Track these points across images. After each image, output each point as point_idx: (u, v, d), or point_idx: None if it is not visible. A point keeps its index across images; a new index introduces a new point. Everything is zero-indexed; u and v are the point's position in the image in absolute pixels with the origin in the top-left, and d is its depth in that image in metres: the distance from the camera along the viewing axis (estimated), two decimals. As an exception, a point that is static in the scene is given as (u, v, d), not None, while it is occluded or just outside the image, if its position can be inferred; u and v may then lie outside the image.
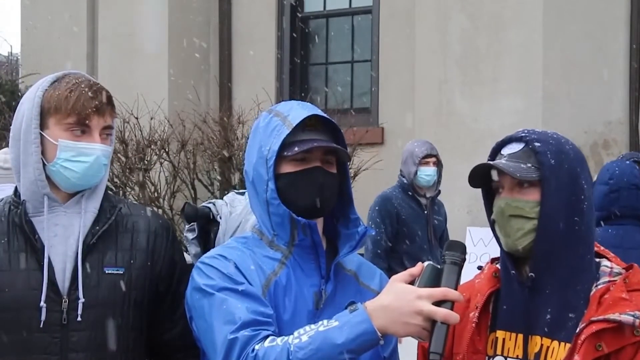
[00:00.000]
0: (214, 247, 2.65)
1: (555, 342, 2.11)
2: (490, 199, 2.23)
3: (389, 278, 2.19)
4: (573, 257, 2.12)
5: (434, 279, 2.10)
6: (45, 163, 2.43)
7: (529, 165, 2.13)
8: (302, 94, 9.79)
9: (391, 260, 6.06)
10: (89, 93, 2.42)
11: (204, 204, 2.83)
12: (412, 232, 6.14)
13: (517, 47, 7.87)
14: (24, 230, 2.42)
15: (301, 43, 10.38)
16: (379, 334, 2.06)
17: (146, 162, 8.24)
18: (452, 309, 2.05)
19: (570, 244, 2.12)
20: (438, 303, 2.04)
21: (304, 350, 2.07)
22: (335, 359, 2.06)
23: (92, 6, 10.97)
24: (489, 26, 8.03)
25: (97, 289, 2.42)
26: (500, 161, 2.17)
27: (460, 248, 2.13)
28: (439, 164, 6.24)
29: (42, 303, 2.36)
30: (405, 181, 6.21)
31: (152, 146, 8.28)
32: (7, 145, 2.69)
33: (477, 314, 2.21)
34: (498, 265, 2.27)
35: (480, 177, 2.20)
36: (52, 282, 2.39)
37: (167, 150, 8.31)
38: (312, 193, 2.30)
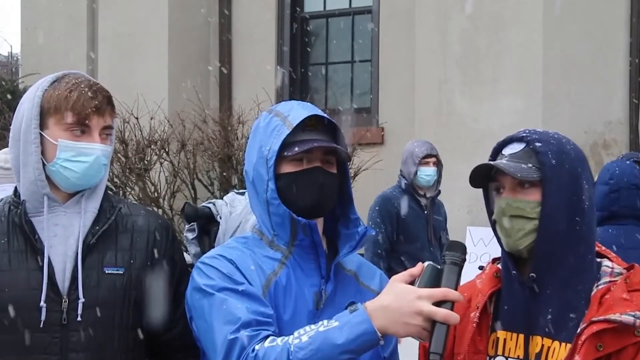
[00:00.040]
0: (214, 247, 2.65)
1: (556, 343, 2.11)
2: (490, 199, 2.23)
3: (389, 278, 2.19)
4: (574, 257, 2.12)
5: (434, 279, 2.10)
6: (45, 163, 2.43)
7: (530, 165, 2.13)
8: (302, 94, 9.79)
9: (391, 260, 6.06)
10: (89, 93, 2.42)
11: (204, 204, 2.83)
12: (412, 232, 6.14)
13: (517, 47, 7.87)
14: (23, 230, 2.42)
15: (301, 43, 10.37)
16: (379, 334, 2.06)
17: (146, 162, 8.24)
18: (452, 309, 2.05)
19: (571, 244, 2.11)
20: (438, 303, 2.04)
21: (304, 351, 2.07)
22: (335, 359, 2.06)
23: (92, 6, 10.97)
24: (489, 26, 8.03)
25: (97, 289, 2.42)
26: (501, 161, 2.17)
27: (460, 248, 2.13)
28: (439, 164, 6.24)
29: (42, 303, 2.36)
30: (405, 181, 6.21)
31: (152, 146, 8.28)
32: (7, 146, 2.69)
33: (478, 314, 2.21)
34: (499, 266, 2.27)
35: (481, 177, 2.20)
36: (52, 282, 2.39)
37: (167, 150, 8.31)
38: (312, 193, 2.30)
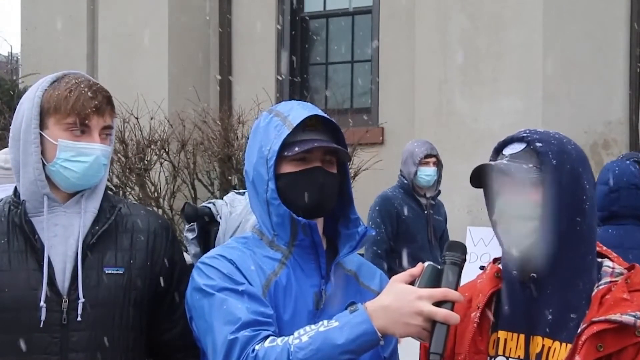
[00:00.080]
0: (214, 247, 2.64)
1: (557, 343, 2.11)
2: (491, 199, 2.22)
3: (389, 278, 2.19)
4: (575, 257, 2.12)
5: (434, 280, 2.09)
6: (45, 163, 2.43)
7: (531, 165, 2.13)
8: (302, 94, 9.79)
9: (391, 261, 6.05)
10: (89, 93, 2.42)
11: (204, 204, 2.83)
12: (412, 232, 6.14)
13: (517, 47, 7.87)
14: (23, 231, 2.42)
15: (301, 43, 10.37)
16: (379, 335, 2.06)
17: (146, 162, 8.25)
18: (452, 310, 2.05)
19: (572, 244, 2.11)
20: (438, 303, 2.04)
21: (304, 351, 2.06)
22: (335, 359, 2.06)
23: (92, 6, 10.98)
24: (489, 26, 8.03)
25: (97, 289, 2.42)
26: (501, 161, 2.16)
27: (460, 248, 2.13)
28: (439, 164, 6.24)
29: (42, 303, 2.36)
30: (405, 181, 6.21)
31: (152, 146, 8.29)
32: (7, 146, 2.69)
33: (478, 314, 2.21)
34: (500, 266, 2.27)
35: (481, 177, 2.20)
36: (52, 282, 2.39)
37: (167, 150, 8.32)
38: (313, 193, 2.30)
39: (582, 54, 8.02)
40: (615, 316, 2.01)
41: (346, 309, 2.13)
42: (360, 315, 2.07)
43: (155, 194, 8.21)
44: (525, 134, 2.18)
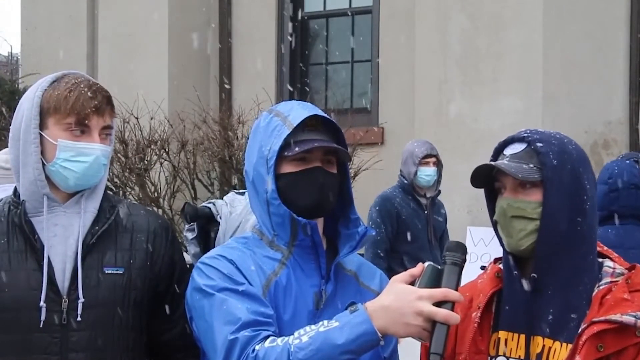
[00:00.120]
0: (214, 247, 2.64)
1: (557, 343, 2.11)
2: (492, 199, 2.23)
3: (389, 278, 2.19)
4: (575, 257, 2.12)
5: (435, 280, 2.09)
6: (45, 163, 2.43)
7: (531, 165, 2.13)
8: (302, 94, 9.79)
9: (391, 261, 6.06)
10: (88, 93, 2.42)
11: (204, 204, 2.83)
12: (413, 232, 6.14)
13: (517, 47, 7.87)
14: (23, 231, 2.42)
15: (301, 43, 10.37)
16: (380, 335, 2.06)
17: (146, 162, 8.24)
18: (452, 310, 2.05)
19: (573, 245, 2.11)
20: (438, 304, 2.04)
21: (305, 351, 2.06)
22: (335, 359, 2.06)
23: (92, 6, 10.97)
24: (489, 26, 8.03)
25: (97, 289, 2.42)
26: (502, 162, 2.16)
27: (460, 249, 2.13)
28: (439, 164, 6.24)
29: (41, 303, 2.36)
30: (405, 181, 6.21)
31: (152, 146, 8.29)
32: (7, 146, 2.69)
33: (479, 314, 2.21)
34: (501, 266, 2.27)
35: (482, 177, 2.20)
36: (52, 282, 2.39)
37: (167, 150, 8.32)
38: (313, 193, 2.30)
39: (582, 54, 8.02)
40: (616, 316, 2.01)
41: (346, 309, 2.13)
42: (360, 315, 2.07)
43: (155, 194, 8.21)
44: (526, 134, 2.18)
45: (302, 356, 2.06)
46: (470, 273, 2.35)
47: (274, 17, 10.28)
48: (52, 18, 11.21)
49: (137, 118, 8.21)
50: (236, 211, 2.75)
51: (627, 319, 2.00)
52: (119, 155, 8.08)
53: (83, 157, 2.41)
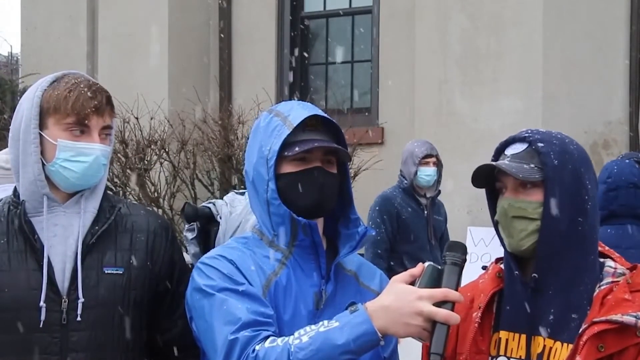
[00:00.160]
0: (214, 247, 2.64)
1: (558, 343, 2.11)
2: (493, 199, 2.22)
3: (390, 278, 2.19)
4: (576, 257, 2.12)
5: (435, 280, 2.09)
6: (45, 163, 2.42)
7: (532, 165, 2.13)
8: (302, 94, 9.79)
9: (391, 261, 6.06)
10: (88, 93, 2.42)
11: (204, 204, 2.83)
12: (413, 232, 6.14)
13: (517, 47, 7.87)
14: (23, 231, 2.42)
15: (301, 43, 10.37)
16: (380, 335, 2.06)
17: (146, 162, 8.24)
18: (452, 310, 2.04)
19: (574, 245, 2.11)
20: (439, 304, 2.04)
21: (305, 351, 2.06)
22: (335, 359, 2.06)
23: (92, 6, 10.97)
24: (489, 26, 8.02)
25: (97, 289, 2.42)
26: (503, 162, 2.16)
27: (460, 249, 2.13)
28: (439, 164, 6.24)
29: (41, 303, 2.36)
30: (405, 181, 6.21)
31: (152, 146, 8.28)
32: (7, 146, 2.68)
33: (480, 314, 2.21)
34: (502, 266, 2.26)
35: (483, 177, 2.20)
36: (52, 282, 2.39)
37: (167, 150, 8.31)
38: (313, 193, 2.30)
39: (582, 54, 8.02)
40: (617, 316, 2.01)
41: (346, 309, 2.13)
42: (360, 315, 2.07)
43: (155, 194, 8.21)
44: (527, 134, 2.18)
45: (302, 356, 2.06)
46: (471, 273, 2.35)
47: (274, 17, 10.27)
48: (52, 18, 11.20)
49: (137, 118, 8.21)
50: (236, 211, 2.75)
51: (628, 319, 2.00)
52: (119, 155, 8.08)
53: (83, 157, 2.41)
